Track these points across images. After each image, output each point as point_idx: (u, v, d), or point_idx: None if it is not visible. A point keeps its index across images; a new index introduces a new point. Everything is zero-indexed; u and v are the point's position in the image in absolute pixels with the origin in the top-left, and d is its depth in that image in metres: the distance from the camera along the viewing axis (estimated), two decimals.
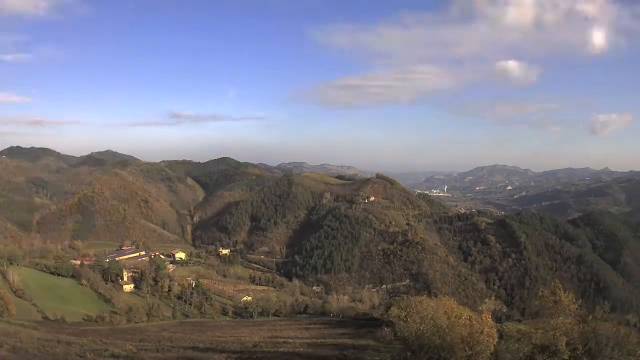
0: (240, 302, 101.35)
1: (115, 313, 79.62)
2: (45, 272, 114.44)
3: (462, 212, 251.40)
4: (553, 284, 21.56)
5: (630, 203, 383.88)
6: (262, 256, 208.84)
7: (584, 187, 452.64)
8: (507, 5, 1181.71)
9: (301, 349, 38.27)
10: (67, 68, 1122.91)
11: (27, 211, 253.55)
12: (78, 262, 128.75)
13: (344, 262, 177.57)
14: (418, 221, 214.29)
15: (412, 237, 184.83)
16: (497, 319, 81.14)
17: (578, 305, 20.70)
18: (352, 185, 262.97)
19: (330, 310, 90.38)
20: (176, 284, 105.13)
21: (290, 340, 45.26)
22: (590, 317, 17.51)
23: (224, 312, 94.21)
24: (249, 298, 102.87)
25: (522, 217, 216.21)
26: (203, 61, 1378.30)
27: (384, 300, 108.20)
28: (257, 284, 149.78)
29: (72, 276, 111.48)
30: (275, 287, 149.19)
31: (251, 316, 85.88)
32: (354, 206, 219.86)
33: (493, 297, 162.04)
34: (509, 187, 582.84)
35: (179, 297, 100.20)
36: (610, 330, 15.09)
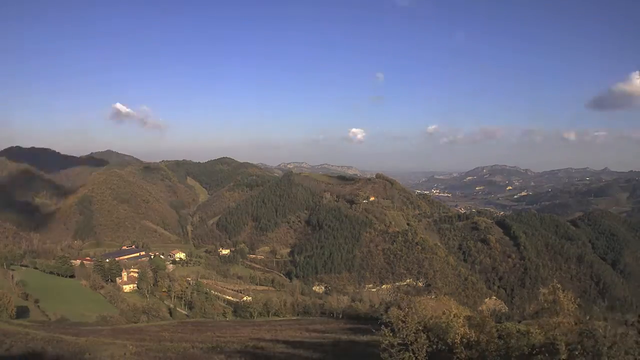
0: (240, 302, 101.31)
1: (115, 313, 79.57)
2: (45, 272, 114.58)
3: (462, 212, 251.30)
4: (552, 284, 21.58)
5: (630, 203, 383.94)
6: (263, 256, 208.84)
7: (584, 187, 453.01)
8: None
9: (301, 349, 38.30)
10: None
11: (27, 211, 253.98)
12: (78, 262, 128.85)
13: (344, 262, 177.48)
14: (418, 221, 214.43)
15: (412, 237, 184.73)
16: (497, 319, 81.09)
17: (577, 305, 20.74)
18: (352, 185, 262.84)
19: (331, 310, 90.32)
20: (176, 284, 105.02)
21: (290, 340, 45.28)
22: (588, 316, 17.51)
23: (224, 313, 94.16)
24: (249, 298, 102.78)
25: (522, 217, 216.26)
26: None
27: (384, 300, 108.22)
28: (257, 284, 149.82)
29: (72, 276, 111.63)
30: (275, 287, 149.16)
31: (251, 316, 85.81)
32: (354, 206, 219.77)
33: (493, 297, 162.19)
34: (509, 187, 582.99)
35: (179, 297, 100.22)
36: (608, 329, 15.10)
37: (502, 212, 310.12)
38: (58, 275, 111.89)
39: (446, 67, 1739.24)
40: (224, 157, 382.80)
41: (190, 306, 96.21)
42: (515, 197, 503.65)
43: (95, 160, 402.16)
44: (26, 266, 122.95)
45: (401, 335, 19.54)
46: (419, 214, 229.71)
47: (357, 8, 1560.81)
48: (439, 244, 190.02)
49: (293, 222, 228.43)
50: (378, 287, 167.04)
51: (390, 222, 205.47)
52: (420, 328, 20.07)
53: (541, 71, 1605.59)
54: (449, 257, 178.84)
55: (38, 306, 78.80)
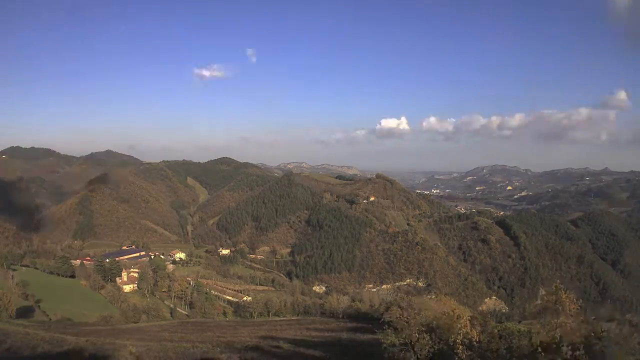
0: (240, 302, 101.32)
1: (115, 313, 79.57)
2: (45, 272, 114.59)
3: (462, 212, 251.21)
4: (555, 284, 21.55)
5: (630, 203, 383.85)
6: (263, 256, 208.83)
7: (584, 187, 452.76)
8: None
9: (302, 347, 38.32)
10: None
11: (27, 211, 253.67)
12: (78, 262, 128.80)
13: (345, 262, 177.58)
14: (418, 221, 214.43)
15: (412, 237, 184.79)
16: (497, 319, 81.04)
17: (579, 306, 20.70)
18: (352, 185, 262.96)
19: (331, 310, 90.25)
20: (176, 284, 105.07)
21: (291, 339, 45.28)
22: (592, 317, 17.50)
23: (224, 312, 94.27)
24: (249, 298, 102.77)
25: (522, 217, 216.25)
26: None
27: (384, 300, 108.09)
28: (257, 284, 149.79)
29: (73, 276, 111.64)
30: (275, 287, 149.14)
31: (251, 316, 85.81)
32: (354, 206, 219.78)
33: (493, 297, 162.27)
34: (509, 187, 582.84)
35: (179, 297, 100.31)
36: (611, 329, 15.10)
37: (502, 212, 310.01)
38: (58, 275, 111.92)
39: (447, 66, 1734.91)
40: (224, 157, 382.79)
41: (190, 306, 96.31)
42: (515, 197, 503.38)
43: (96, 160, 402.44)
44: (26, 266, 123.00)
45: (403, 335, 19.56)
46: (419, 214, 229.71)
47: (357, 7, 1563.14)
48: (439, 244, 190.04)
49: (293, 222, 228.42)
50: (378, 287, 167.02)
51: (390, 222, 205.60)
52: (422, 328, 20.09)
53: (539, 69, 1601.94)
54: (449, 257, 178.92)
55: (39, 306, 78.79)
